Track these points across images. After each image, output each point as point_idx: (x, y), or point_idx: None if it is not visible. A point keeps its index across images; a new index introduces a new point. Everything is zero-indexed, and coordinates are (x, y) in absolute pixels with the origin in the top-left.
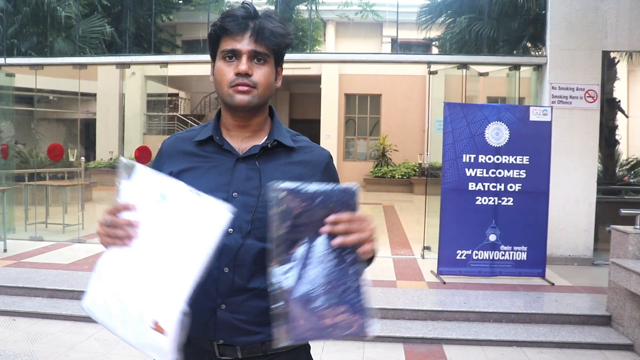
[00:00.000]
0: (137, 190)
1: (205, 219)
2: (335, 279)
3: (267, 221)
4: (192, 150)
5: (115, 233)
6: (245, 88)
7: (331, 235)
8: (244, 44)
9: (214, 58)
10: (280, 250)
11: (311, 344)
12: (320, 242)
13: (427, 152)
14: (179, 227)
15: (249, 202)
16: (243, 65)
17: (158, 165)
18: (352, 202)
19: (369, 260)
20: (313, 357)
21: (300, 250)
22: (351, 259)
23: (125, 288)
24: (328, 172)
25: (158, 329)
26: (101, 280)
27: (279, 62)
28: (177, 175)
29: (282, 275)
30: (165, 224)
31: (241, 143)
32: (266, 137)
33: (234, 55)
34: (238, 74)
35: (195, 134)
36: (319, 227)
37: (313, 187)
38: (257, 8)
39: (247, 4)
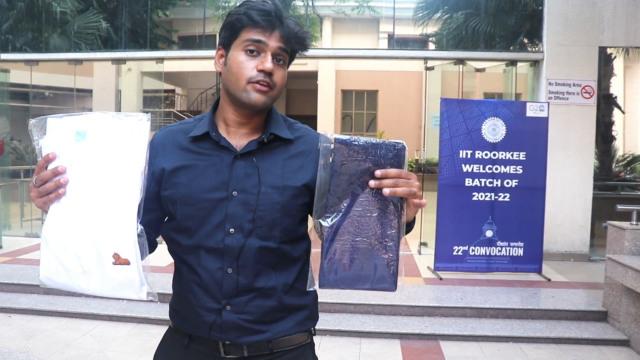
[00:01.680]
0: (53, 141)
1: (128, 135)
2: (375, 233)
3: (268, 219)
4: (187, 145)
5: (45, 188)
6: (265, 88)
7: (378, 190)
8: (272, 40)
9: (226, 46)
10: (327, 202)
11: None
12: (367, 195)
13: (424, 148)
14: (106, 156)
15: (249, 201)
16: (269, 63)
17: (149, 158)
18: (401, 158)
19: (409, 226)
20: None
21: (346, 202)
22: (395, 215)
23: (74, 237)
24: None
25: (120, 261)
26: (49, 244)
27: (289, 65)
28: (171, 172)
29: (326, 222)
30: (91, 159)
31: (239, 139)
32: (262, 132)
33: (258, 48)
34: (261, 71)
35: (190, 128)
36: (366, 180)
37: (363, 140)
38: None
39: (274, 1)
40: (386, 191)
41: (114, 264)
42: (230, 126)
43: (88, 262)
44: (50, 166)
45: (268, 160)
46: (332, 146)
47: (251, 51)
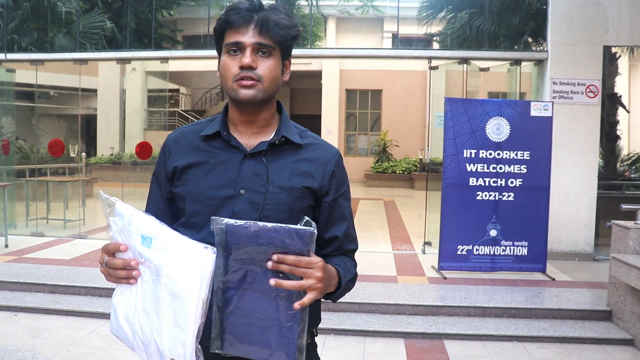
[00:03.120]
0: (123, 230)
1: (193, 262)
2: (275, 312)
3: (275, 218)
4: (199, 144)
5: (117, 274)
6: (250, 82)
7: (275, 272)
8: (248, 37)
9: (219, 52)
10: (225, 279)
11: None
12: (265, 274)
13: (428, 147)
14: (171, 272)
15: (256, 200)
16: (247, 59)
17: (163, 160)
18: (305, 244)
19: (337, 290)
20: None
21: (245, 279)
22: (286, 301)
23: (140, 325)
24: (338, 169)
25: None
26: (119, 314)
27: (286, 55)
28: (182, 170)
29: (220, 294)
30: (157, 268)
31: (249, 139)
32: (274, 133)
33: (238, 48)
34: (242, 68)
35: (202, 128)
36: (265, 261)
37: (260, 225)
38: (263, 1)
39: None
40: (271, 282)
41: None
42: (239, 126)
43: (150, 350)
44: (120, 255)
45: (277, 161)
46: (222, 227)
47: (234, 51)
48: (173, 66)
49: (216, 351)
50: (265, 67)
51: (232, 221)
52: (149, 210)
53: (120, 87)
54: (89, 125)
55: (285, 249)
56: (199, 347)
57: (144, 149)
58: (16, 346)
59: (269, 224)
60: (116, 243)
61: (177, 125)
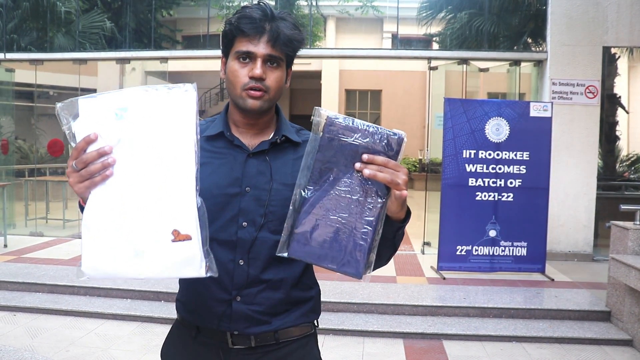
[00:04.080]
0: (90, 122)
1: (175, 107)
2: (353, 215)
3: (279, 214)
4: (202, 144)
5: (90, 170)
6: (259, 93)
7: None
8: (260, 48)
9: (226, 55)
10: (310, 175)
11: None
12: (352, 177)
13: (427, 147)
14: (154, 131)
15: (261, 196)
16: (258, 70)
17: None
18: (394, 147)
19: (399, 227)
20: None
21: (329, 179)
22: (377, 203)
23: (125, 219)
24: None
25: (180, 237)
26: (93, 230)
27: (289, 65)
28: None
29: (305, 193)
30: (138, 135)
31: (250, 139)
32: (273, 133)
33: (249, 57)
34: (252, 78)
35: (203, 129)
36: (354, 162)
37: (358, 122)
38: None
39: (263, 3)
40: (366, 172)
41: (174, 241)
42: (240, 127)
43: (142, 243)
44: (92, 147)
45: (279, 159)
46: (324, 121)
47: (243, 59)
48: (172, 66)
49: (282, 254)
50: (273, 78)
51: (334, 114)
52: None
53: (119, 86)
54: None
55: (375, 150)
56: (201, 199)
57: None
58: (15, 346)
59: (366, 123)
60: (84, 137)
61: None
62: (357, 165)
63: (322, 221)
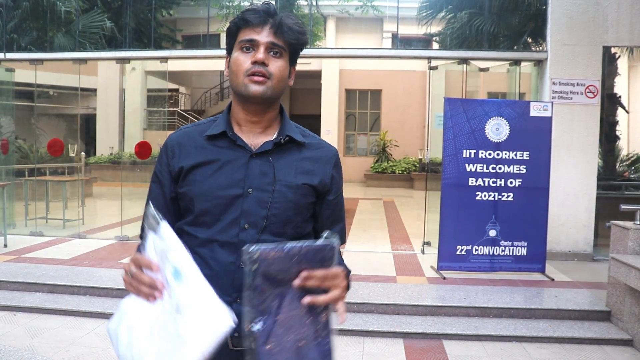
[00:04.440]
0: (159, 252)
1: (208, 320)
2: (307, 327)
3: (282, 216)
4: (203, 144)
5: (140, 288)
6: (261, 78)
7: (304, 290)
8: (263, 36)
9: (230, 52)
10: (257, 307)
11: None
12: (293, 295)
13: (428, 147)
14: (186, 315)
15: (264, 198)
16: (261, 54)
17: (166, 160)
18: (329, 257)
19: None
20: None
21: (274, 304)
22: (321, 315)
23: (139, 343)
24: (336, 169)
25: None
26: (123, 320)
27: (293, 61)
28: (189, 170)
29: (257, 326)
30: (177, 304)
31: (253, 139)
32: (277, 133)
33: (252, 45)
34: (255, 63)
35: (204, 129)
36: (292, 280)
37: (287, 246)
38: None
39: (268, 2)
40: (306, 300)
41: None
42: (243, 126)
43: None
44: (150, 274)
45: (282, 160)
46: (256, 256)
47: (247, 48)
48: (172, 66)
49: None
50: (276, 66)
51: (264, 246)
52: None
53: (119, 86)
54: (89, 124)
55: (312, 265)
56: None
57: (143, 148)
58: (15, 346)
59: (296, 244)
60: (149, 260)
61: (176, 125)
62: (296, 282)
63: (282, 347)
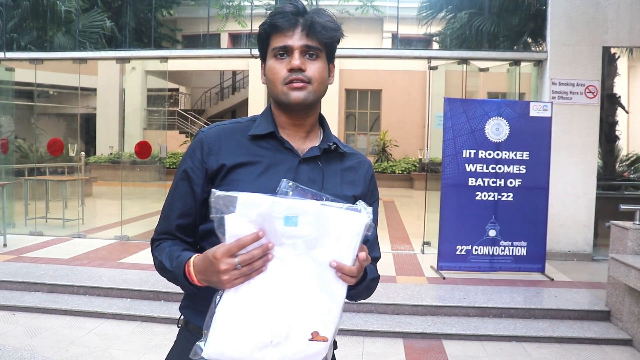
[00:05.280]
0: (253, 218)
1: (346, 227)
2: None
3: None
4: (247, 144)
5: (253, 266)
6: (300, 84)
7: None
8: (295, 40)
9: (264, 59)
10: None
11: None
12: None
13: (427, 147)
14: (320, 244)
15: None
16: (296, 61)
17: (200, 157)
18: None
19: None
20: None
21: None
22: None
23: (269, 313)
24: (373, 180)
25: (317, 338)
26: (231, 317)
27: (331, 58)
28: (231, 169)
29: None
30: (303, 244)
31: (298, 143)
32: (321, 139)
33: (286, 51)
34: (291, 70)
35: (244, 127)
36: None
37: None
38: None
39: (296, 1)
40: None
41: (311, 340)
42: (286, 129)
43: (281, 336)
44: (255, 244)
45: (329, 168)
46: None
47: (281, 55)
48: (172, 65)
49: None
50: (314, 69)
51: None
52: (176, 208)
53: (119, 86)
54: (88, 124)
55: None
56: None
57: (143, 148)
58: (14, 345)
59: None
60: (250, 235)
61: (176, 125)
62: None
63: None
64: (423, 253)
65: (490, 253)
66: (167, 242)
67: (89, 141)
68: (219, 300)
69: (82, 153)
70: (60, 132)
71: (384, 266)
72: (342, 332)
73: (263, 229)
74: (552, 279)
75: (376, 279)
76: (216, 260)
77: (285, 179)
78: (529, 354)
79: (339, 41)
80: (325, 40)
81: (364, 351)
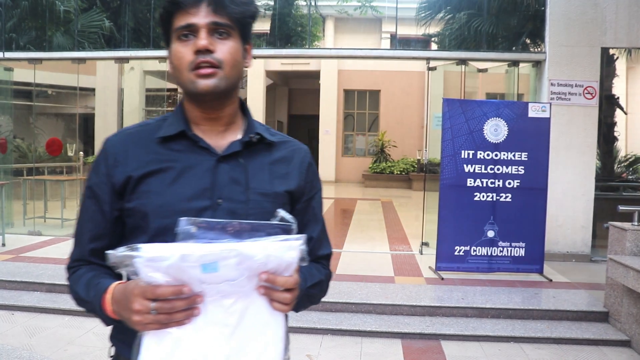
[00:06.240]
0: (169, 269)
1: (277, 265)
2: None
3: None
4: (155, 148)
5: (175, 317)
6: (209, 70)
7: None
8: (201, 17)
9: (168, 43)
10: None
11: (308, 339)
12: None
13: (426, 148)
14: (249, 284)
15: (237, 210)
16: (202, 40)
17: (104, 170)
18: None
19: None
20: (311, 352)
21: None
22: None
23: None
24: (312, 169)
25: None
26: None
27: (246, 38)
28: (139, 180)
29: None
30: (228, 287)
31: (216, 139)
32: (244, 132)
33: (191, 31)
34: (198, 52)
35: (152, 129)
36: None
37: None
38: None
39: None
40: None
41: None
42: (201, 124)
43: None
44: (183, 295)
45: (254, 163)
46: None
47: (185, 36)
48: None
49: None
50: (224, 50)
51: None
52: (86, 231)
53: (118, 86)
54: (87, 124)
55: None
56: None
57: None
58: (13, 345)
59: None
60: (172, 287)
61: None
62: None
63: None
64: (421, 254)
65: (489, 254)
66: (82, 268)
67: (88, 141)
68: (140, 349)
69: (81, 153)
70: (59, 132)
71: (383, 266)
72: (340, 332)
73: (181, 282)
74: (551, 280)
75: (321, 282)
76: (132, 296)
77: (184, 218)
78: (527, 354)
79: (253, 17)
80: (236, 16)
81: (362, 351)
